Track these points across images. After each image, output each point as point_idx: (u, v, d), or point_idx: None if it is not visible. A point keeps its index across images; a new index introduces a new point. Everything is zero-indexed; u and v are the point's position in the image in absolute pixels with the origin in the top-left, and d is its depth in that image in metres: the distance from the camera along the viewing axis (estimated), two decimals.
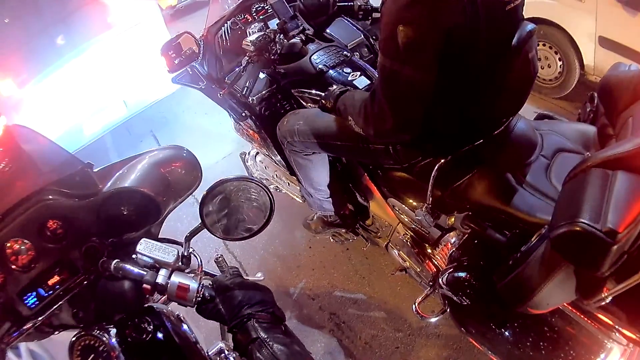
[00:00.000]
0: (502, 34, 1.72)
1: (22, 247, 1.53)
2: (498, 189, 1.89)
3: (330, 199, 2.84)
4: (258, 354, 1.45)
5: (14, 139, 1.72)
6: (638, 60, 3.50)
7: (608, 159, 1.39)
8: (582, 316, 1.71)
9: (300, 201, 3.13)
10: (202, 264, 1.70)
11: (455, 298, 1.98)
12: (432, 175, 2.00)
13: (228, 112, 3.16)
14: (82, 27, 5.26)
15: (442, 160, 1.98)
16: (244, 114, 2.95)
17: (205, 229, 1.69)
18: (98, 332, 1.56)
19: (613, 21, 3.84)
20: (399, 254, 2.61)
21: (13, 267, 1.52)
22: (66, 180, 1.66)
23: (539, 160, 1.94)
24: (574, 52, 4.26)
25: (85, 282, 1.62)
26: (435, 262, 2.33)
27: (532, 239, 1.65)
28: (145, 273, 1.50)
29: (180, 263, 1.56)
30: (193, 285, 1.49)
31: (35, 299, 1.54)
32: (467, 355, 2.69)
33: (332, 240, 3.16)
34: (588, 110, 2.05)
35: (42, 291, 1.55)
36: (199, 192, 1.77)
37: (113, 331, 1.57)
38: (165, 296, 1.62)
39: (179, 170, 1.88)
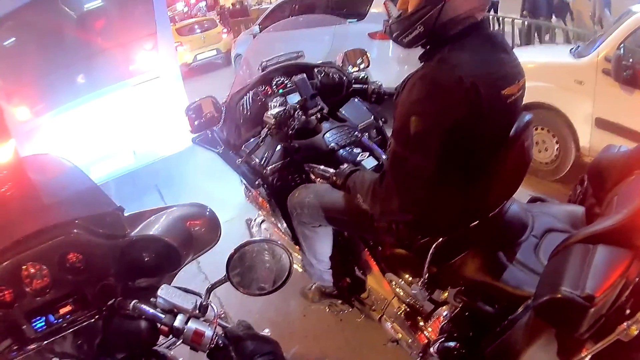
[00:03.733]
0: (502, 125, 1.89)
1: (39, 272, 1.56)
2: (490, 266, 2.01)
3: (330, 270, 2.94)
4: None
5: (20, 164, 1.78)
6: (634, 138, 3.68)
7: (589, 235, 1.55)
8: None
9: (300, 270, 3.19)
10: (217, 315, 1.70)
11: None
12: (430, 252, 2.10)
13: (241, 178, 3.26)
14: (103, 70, 5.34)
15: (440, 240, 2.10)
16: (257, 182, 3.05)
17: (230, 283, 1.74)
18: None
19: (611, 102, 4.01)
20: (392, 325, 2.66)
21: (27, 289, 1.55)
22: (97, 218, 1.73)
23: (529, 240, 2.08)
24: (570, 135, 4.41)
25: (96, 317, 1.65)
26: (427, 334, 2.40)
27: (519, 309, 1.78)
28: (163, 316, 1.56)
29: (197, 311, 1.60)
30: (208, 332, 1.53)
31: (43, 323, 1.56)
32: None
33: (327, 310, 3.21)
34: (578, 191, 2.19)
35: (51, 317, 1.57)
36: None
37: None
38: (170, 341, 1.69)
39: (201, 227, 1.95)
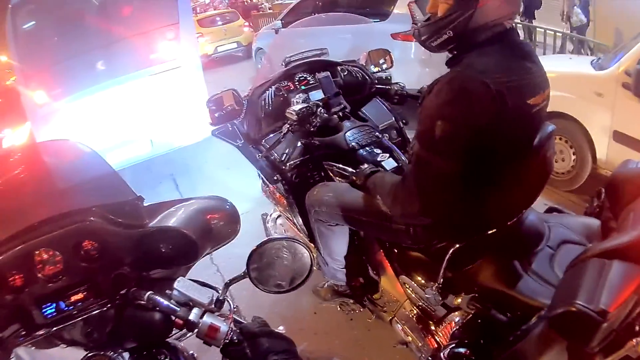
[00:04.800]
0: (526, 134, 1.90)
1: (52, 259, 1.55)
2: (505, 274, 2.01)
3: (344, 269, 2.95)
4: None
5: (35, 147, 1.71)
6: None
7: (606, 250, 1.55)
8: None
9: (314, 268, 3.18)
10: (233, 310, 1.70)
11: None
12: (446, 258, 2.10)
13: (259, 172, 3.28)
14: (124, 57, 5.36)
15: (457, 245, 2.09)
16: (275, 178, 3.07)
17: (249, 278, 1.73)
18: (112, 353, 1.57)
19: (629, 115, 3.99)
20: (402, 328, 2.67)
21: (39, 275, 1.53)
22: (115, 207, 1.71)
23: (545, 250, 2.08)
24: (587, 146, 4.39)
25: (108, 306, 1.63)
26: (437, 339, 2.40)
27: (532, 320, 1.78)
28: (178, 309, 1.54)
29: (213, 305, 1.59)
30: (224, 327, 1.52)
31: (53, 310, 1.55)
32: None
33: (338, 309, 3.21)
34: (595, 204, 2.18)
35: (62, 304, 1.56)
36: None
37: (126, 355, 1.59)
38: (181, 333, 1.67)
39: (220, 220, 1.93)
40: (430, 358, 2.44)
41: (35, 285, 1.53)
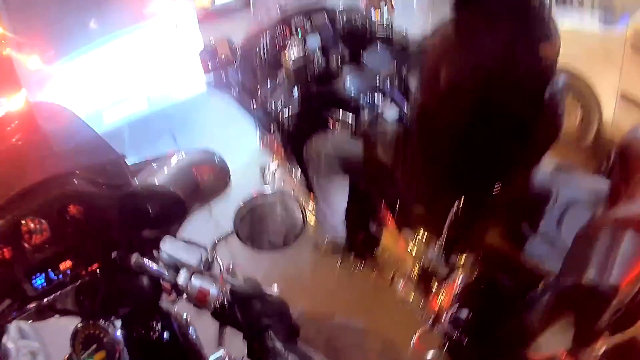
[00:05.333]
0: (536, 87, 1.78)
1: (38, 227, 1.47)
2: (511, 235, 1.94)
3: (344, 223, 2.87)
4: None
5: (32, 113, 1.71)
6: None
7: (619, 219, 1.46)
8: None
9: (313, 223, 3.13)
10: (223, 271, 1.64)
11: (454, 336, 2.00)
12: (450, 215, 2.02)
13: (256, 122, 3.22)
14: (117, 13, 5.25)
15: (462, 201, 2.00)
16: (272, 128, 3.00)
17: (237, 237, 1.70)
18: (104, 323, 1.53)
19: (637, 77, 3.89)
20: (404, 286, 2.61)
21: (25, 245, 1.46)
22: (97, 167, 1.62)
23: (553, 211, 1.98)
24: (595, 104, 4.29)
25: (98, 272, 1.57)
26: (439, 299, 2.31)
27: (539, 287, 1.69)
28: (165, 272, 1.49)
29: (201, 267, 1.55)
30: (213, 291, 1.47)
31: (43, 280, 1.48)
32: None
33: (339, 265, 3.16)
34: (604, 166, 2.10)
35: (51, 274, 1.49)
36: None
37: (119, 324, 1.55)
38: (174, 296, 1.61)
39: (209, 175, 1.86)
40: (432, 319, 2.35)
41: (24, 257, 1.46)
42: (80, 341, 1.50)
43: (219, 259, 1.64)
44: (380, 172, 2.24)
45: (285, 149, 3.10)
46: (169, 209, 1.71)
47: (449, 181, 2.01)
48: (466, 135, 1.74)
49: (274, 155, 3.52)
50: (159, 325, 1.57)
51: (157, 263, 1.51)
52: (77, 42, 5.08)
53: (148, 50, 5.40)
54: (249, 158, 4.62)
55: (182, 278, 1.47)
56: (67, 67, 5.03)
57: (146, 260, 1.50)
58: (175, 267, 1.51)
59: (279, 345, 1.48)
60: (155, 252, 1.55)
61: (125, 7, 5.37)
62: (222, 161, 1.91)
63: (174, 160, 1.83)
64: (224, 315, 1.53)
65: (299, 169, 3.04)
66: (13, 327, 1.82)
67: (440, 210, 2.09)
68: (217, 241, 1.70)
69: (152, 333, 1.56)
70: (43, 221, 1.46)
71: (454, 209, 2.01)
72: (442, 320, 2.09)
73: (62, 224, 1.50)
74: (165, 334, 1.58)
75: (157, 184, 1.71)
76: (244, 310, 1.51)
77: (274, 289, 1.77)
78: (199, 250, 1.61)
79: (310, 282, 3.47)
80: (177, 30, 5.58)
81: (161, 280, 1.50)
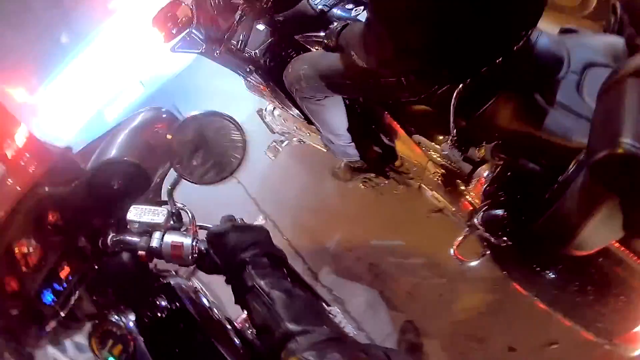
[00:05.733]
0: None
1: (29, 246, 1.47)
2: (526, 111, 1.74)
3: (352, 143, 2.71)
4: (255, 304, 1.27)
5: (39, 142, 1.72)
6: None
7: None
8: (632, 256, 1.53)
9: (325, 150, 2.99)
10: (194, 218, 1.56)
11: (493, 239, 1.85)
12: (452, 103, 1.86)
13: (234, 70, 3.07)
14: (83, 19, 5.17)
15: (461, 86, 1.83)
16: (248, 69, 2.84)
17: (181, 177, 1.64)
18: (115, 317, 1.53)
19: None
20: (432, 194, 2.48)
21: (24, 269, 1.45)
22: (52, 170, 1.60)
23: (568, 77, 1.75)
24: None
25: (97, 267, 1.56)
26: (470, 200, 2.18)
27: (570, 167, 1.49)
28: (138, 239, 1.45)
29: (172, 222, 1.49)
30: (186, 241, 1.40)
31: (51, 295, 1.48)
32: (513, 299, 2.50)
33: (362, 187, 3.02)
34: (612, 21, 1.84)
35: (57, 286, 1.49)
36: None
37: (131, 314, 1.54)
38: (189, 270, 1.63)
39: (161, 132, 1.80)
40: (467, 223, 2.21)
41: (27, 281, 1.47)
42: (97, 340, 1.51)
43: (187, 208, 1.60)
44: (365, 78, 2.05)
45: (268, 86, 2.94)
46: (133, 179, 1.70)
47: (438, 67, 1.79)
48: (436, 6, 1.50)
49: (262, 97, 3.38)
50: (165, 303, 1.55)
51: (132, 235, 1.49)
52: (54, 61, 5.04)
53: (126, 39, 5.25)
54: (253, 106, 4.37)
55: (155, 240, 1.43)
56: (52, 87, 5.02)
57: (122, 236, 1.50)
58: (147, 232, 1.46)
59: (258, 280, 1.30)
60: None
61: (89, 8, 5.27)
62: (170, 114, 1.88)
63: (116, 132, 1.80)
64: (204, 264, 1.46)
65: (290, 103, 2.87)
66: (69, 344, 1.78)
67: (441, 103, 1.93)
68: (170, 189, 1.67)
69: (159, 313, 1.53)
70: (32, 240, 1.47)
71: (454, 97, 1.84)
72: (477, 223, 1.93)
73: (47, 235, 1.51)
74: (173, 311, 1.55)
75: (105, 159, 1.69)
76: (218, 251, 1.40)
77: (260, 219, 1.81)
78: (165, 206, 1.53)
79: (339, 211, 3.38)
80: (146, 10, 5.44)
81: (138, 251, 1.45)
